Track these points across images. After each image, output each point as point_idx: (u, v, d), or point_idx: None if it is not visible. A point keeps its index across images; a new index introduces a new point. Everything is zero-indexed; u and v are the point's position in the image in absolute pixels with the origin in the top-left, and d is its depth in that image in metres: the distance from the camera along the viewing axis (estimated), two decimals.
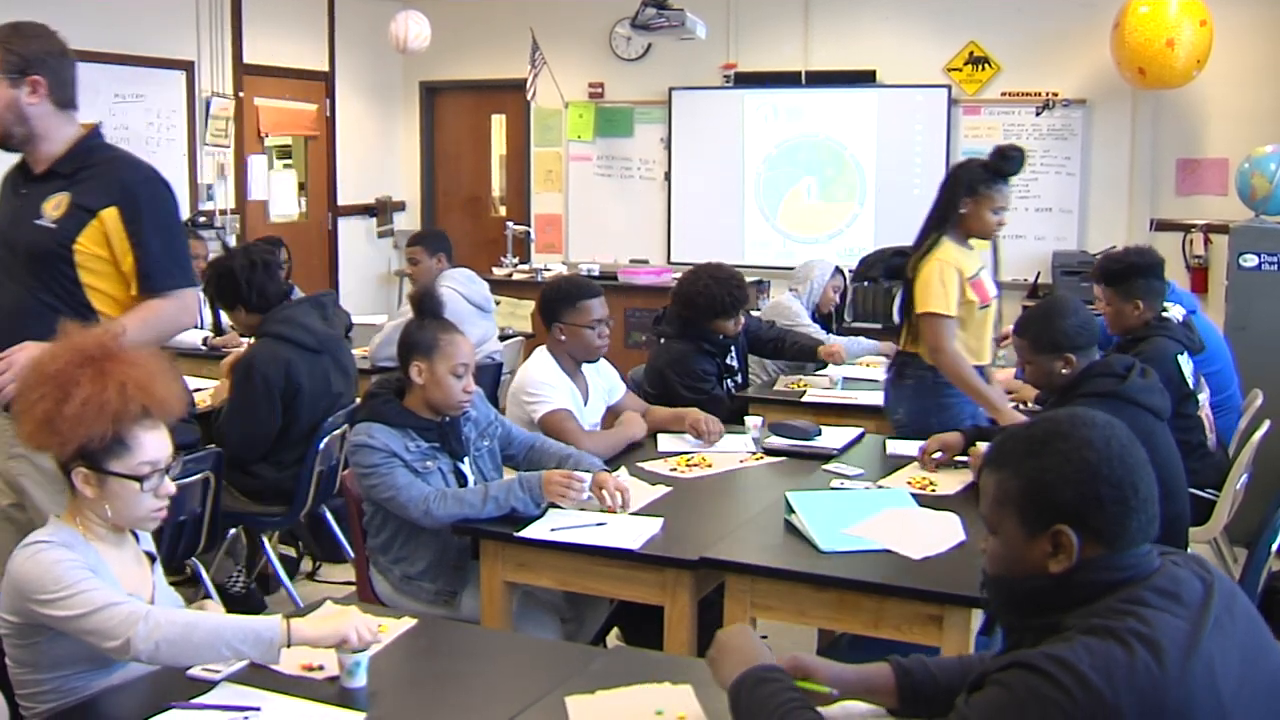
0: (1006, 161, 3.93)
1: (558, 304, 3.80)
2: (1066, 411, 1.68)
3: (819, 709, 1.80)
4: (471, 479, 3.22)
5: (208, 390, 4.47)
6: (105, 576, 2.15)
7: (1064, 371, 3.27)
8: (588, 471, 3.16)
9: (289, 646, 2.09)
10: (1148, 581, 1.56)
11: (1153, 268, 4.17)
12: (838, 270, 5.77)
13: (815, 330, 5.48)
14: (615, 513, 3.05)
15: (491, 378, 5.33)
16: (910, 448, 3.74)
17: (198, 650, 2.06)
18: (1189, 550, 3.23)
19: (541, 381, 3.71)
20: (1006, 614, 1.71)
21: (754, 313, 5.86)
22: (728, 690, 1.82)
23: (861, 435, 3.95)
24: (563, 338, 3.80)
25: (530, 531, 2.95)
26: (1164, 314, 4.15)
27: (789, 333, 5.23)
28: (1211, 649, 1.49)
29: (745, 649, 1.88)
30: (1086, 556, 1.57)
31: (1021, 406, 4.39)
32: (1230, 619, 1.55)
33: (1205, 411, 4.18)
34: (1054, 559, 1.59)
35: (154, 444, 2.22)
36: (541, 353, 3.84)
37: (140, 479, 2.19)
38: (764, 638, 2.00)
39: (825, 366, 5.21)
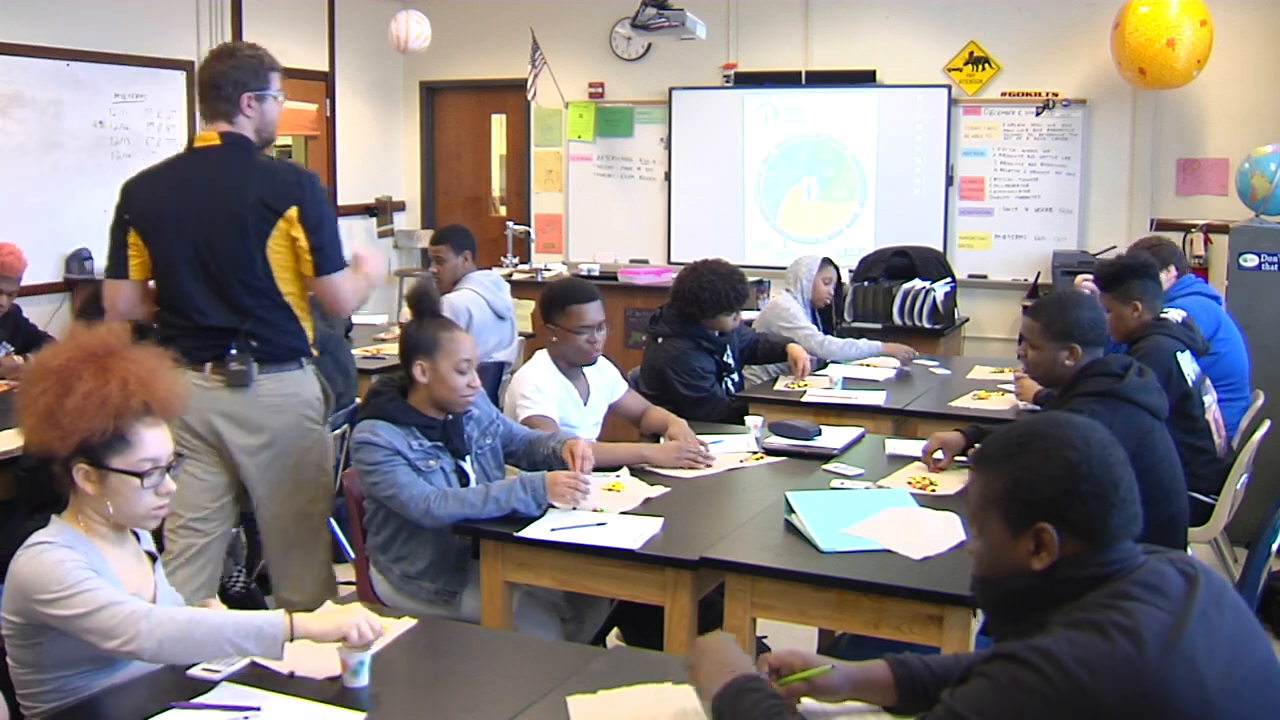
0: None
1: (551, 305, 3.81)
2: (1047, 414, 1.74)
3: (821, 685, 1.88)
4: (473, 478, 3.23)
5: None
6: (107, 576, 2.15)
7: (1067, 363, 3.28)
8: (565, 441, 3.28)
9: (291, 640, 2.09)
10: (1131, 576, 1.59)
11: (1146, 268, 4.18)
12: (827, 261, 5.67)
13: (813, 332, 5.42)
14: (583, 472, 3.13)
15: (493, 377, 5.33)
16: (910, 447, 3.74)
17: (200, 647, 2.06)
18: (1189, 550, 3.24)
19: (535, 386, 3.71)
20: (995, 615, 1.74)
21: (751, 313, 5.85)
22: (711, 702, 1.83)
23: (861, 435, 3.95)
24: (554, 339, 3.81)
25: (530, 531, 2.95)
26: (1163, 315, 4.16)
27: (762, 336, 5.21)
28: (1195, 640, 1.52)
29: (725, 657, 1.89)
30: (1067, 553, 1.62)
31: (1021, 405, 4.40)
32: (1218, 612, 1.57)
33: (1213, 414, 4.17)
34: (1036, 556, 1.63)
35: (155, 441, 2.22)
36: (540, 355, 3.85)
37: (141, 475, 2.19)
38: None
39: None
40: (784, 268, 7.64)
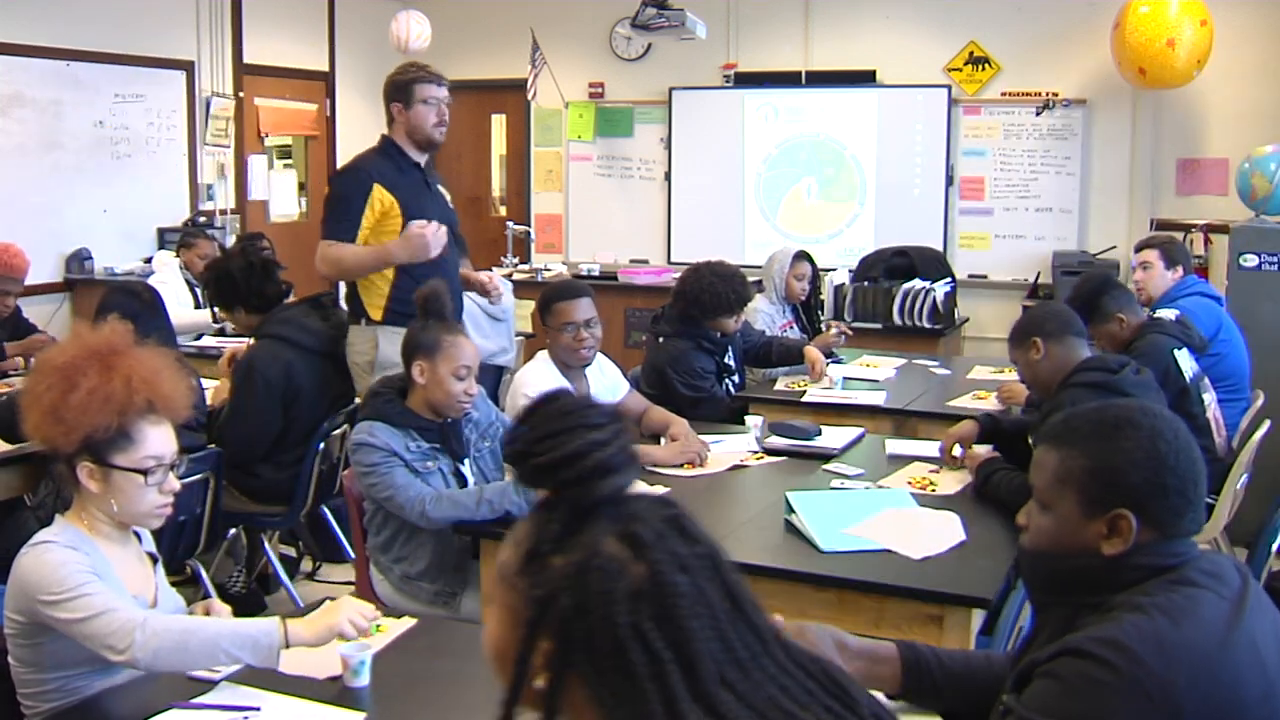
0: None
1: (541, 306, 3.84)
2: (1136, 402, 1.73)
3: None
4: (471, 480, 3.23)
5: (208, 390, 4.46)
6: (110, 577, 2.15)
7: (1036, 358, 3.31)
8: None
9: (287, 648, 2.09)
10: (1192, 565, 1.61)
11: (1105, 281, 4.18)
12: (800, 256, 5.48)
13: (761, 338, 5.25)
14: None
15: (493, 378, 5.31)
16: (910, 447, 3.74)
17: (195, 657, 2.05)
18: None
19: (535, 386, 3.72)
20: (1044, 590, 1.72)
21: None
22: None
23: (861, 435, 3.95)
24: (548, 340, 3.82)
25: None
26: (1156, 316, 4.15)
27: (775, 338, 5.18)
28: (1253, 626, 1.55)
29: (816, 647, 1.82)
30: (1140, 541, 1.61)
31: (1019, 409, 4.39)
32: (1260, 607, 1.61)
33: (1213, 414, 4.16)
34: (1108, 541, 1.63)
35: (158, 438, 2.22)
36: (542, 355, 3.85)
37: (144, 472, 2.19)
38: None
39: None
40: None
